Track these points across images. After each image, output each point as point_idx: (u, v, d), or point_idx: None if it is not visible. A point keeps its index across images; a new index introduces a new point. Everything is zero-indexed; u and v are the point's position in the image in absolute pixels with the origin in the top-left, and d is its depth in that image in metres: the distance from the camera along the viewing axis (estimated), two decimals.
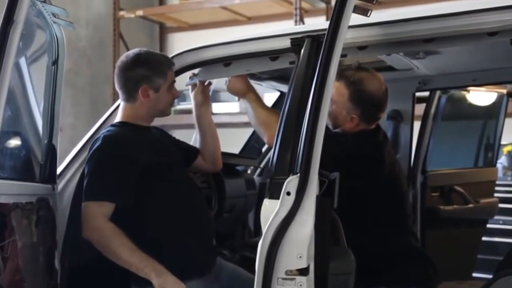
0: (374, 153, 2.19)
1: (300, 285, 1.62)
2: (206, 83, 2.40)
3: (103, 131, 2.12)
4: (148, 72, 2.07)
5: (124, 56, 2.14)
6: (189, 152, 2.37)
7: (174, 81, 2.16)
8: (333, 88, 2.15)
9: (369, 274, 2.04)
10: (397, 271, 2.10)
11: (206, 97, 2.39)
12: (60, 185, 2.18)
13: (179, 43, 7.03)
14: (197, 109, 2.39)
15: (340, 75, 2.20)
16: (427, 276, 2.17)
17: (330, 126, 2.25)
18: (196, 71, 2.38)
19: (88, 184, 1.99)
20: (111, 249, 1.92)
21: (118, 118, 2.17)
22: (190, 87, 2.44)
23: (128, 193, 1.98)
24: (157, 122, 2.38)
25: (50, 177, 2.09)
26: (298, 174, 1.64)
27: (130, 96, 2.11)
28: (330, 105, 2.17)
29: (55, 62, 2.09)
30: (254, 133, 3.31)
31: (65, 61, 2.11)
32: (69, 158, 2.27)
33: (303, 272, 1.62)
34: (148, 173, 2.00)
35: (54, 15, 2.04)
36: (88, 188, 1.98)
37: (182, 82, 2.55)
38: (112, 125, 2.13)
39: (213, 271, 2.10)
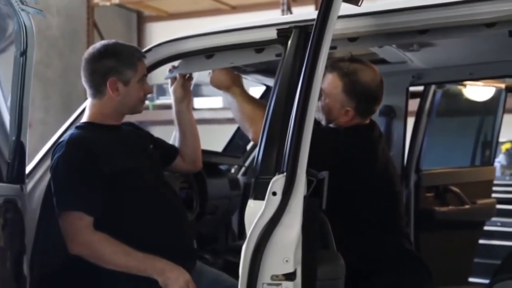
0: (367, 150, 2.21)
1: None
2: (186, 77, 2.40)
3: (67, 133, 2.11)
4: (116, 63, 2.06)
5: (90, 48, 2.13)
6: (168, 151, 2.37)
7: (145, 75, 2.15)
8: (326, 80, 2.19)
9: (360, 278, 2.07)
10: (389, 275, 2.12)
11: (186, 92, 2.39)
12: (29, 186, 2.17)
13: (158, 33, 7.01)
14: (177, 104, 2.39)
15: (333, 67, 2.21)
16: (421, 281, 2.19)
17: (323, 121, 2.27)
18: (176, 63, 2.37)
19: (58, 194, 2.00)
20: (105, 260, 1.95)
21: (84, 117, 2.15)
22: (169, 81, 2.44)
23: (100, 202, 2.00)
24: (135, 117, 2.37)
25: (18, 176, 2.07)
26: (285, 173, 1.65)
27: (97, 91, 2.09)
28: (323, 99, 2.21)
29: (24, 53, 2.07)
30: (238, 129, 3.32)
31: (34, 52, 2.09)
32: (39, 156, 2.25)
33: (289, 277, 1.63)
34: (118, 179, 2.01)
35: (22, 1, 2.01)
36: (60, 199, 2.00)
37: (161, 75, 2.55)
38: (77, 127, 2.12)
39: (192, 277, 2.10)
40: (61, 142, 2.07)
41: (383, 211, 2.20)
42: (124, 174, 2.03)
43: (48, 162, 2.22)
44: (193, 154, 2.41)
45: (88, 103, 2.16)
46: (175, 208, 2.17)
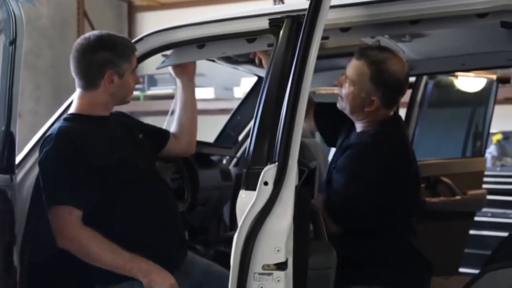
0: (404, 157, 2.18)
1: (278, 280, 1.63)
2: None
3: (55, 126, 2.09)
4: (113, 55, 2.05)
5: (82, 38, 2.09)
6: (160, 135, 2.35)
7: (136, 66, 2.16)
8: (353, 67, 2.17)
9: (364, 272, 2.08)
10: (394, 271, 2.12)
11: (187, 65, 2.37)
12: (19, 176, 2.16)
13: (149, 24, 6.97)
14: (178, 80, 2.40)
15: (361, 54, 2.16)
16: (422, 277, 2.21)
17: (347, 110, 2.22)
18: (167, 53, 2.36)
19: (48, 188, 2.00)
20: (93, 256, 1.95)
21: (72, 108, 2.13)
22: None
23: (90, 195, 1.99)
24: (126, 108, 2.36)
25: (8, 167, 2.06)
26: (276, 163, 1.65)
27: (91, 83, 2.07)
28: (348, 86, 2.18)
29: (13, 42, 2.05)
30: (230, 120, 3.32)
31: (23, 41, 2.07)
32: (29, 146, 2.24)
33: (281, 266, 1.64)
34: (107, 172, 2.01)
35: None
36: (49, 193, 1.99)
37: (153, 66, 2.53)
38: (65, 119, 2.10)
39: (183, 268, 2.11)
40: (49, 135, 2.05)
41: (408, 210, 2.22)
42: (113, 166, 2.03)
43: (38, 153, 2.20)
44: (190, 133, 2.40)
45: (76, 94, 2.13)
46: (166, 199, 2.17)
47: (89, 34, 2.12)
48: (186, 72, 2.38)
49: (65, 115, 2.14)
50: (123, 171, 2.05)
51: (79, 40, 2.10)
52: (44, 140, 2.06)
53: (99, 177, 1.99)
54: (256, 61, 2.38)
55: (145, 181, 2.12)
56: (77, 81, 2.12)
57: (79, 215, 1.96)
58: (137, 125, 2.33)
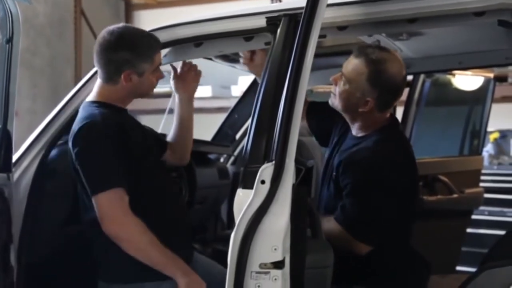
0: (410, 167, 2.17)
1: (275, 279, 1.63)
2: (186, 65, 2.32)
3: (87, 111, 2.00)
4: (132, 56, 1.99)
5: (106, 32, 2.02)
6: (159, 143, 2.30)
7: (160, 64, 2.11)
8: (350, 65, 2.13)
9: (364, 274, 2.08)
10: (394, 274, 2.12)
11: (186, 82, 2.31)
12: (16, 174, 2.15)
13: (147, 22, 6.95)
14: (177, 96, 2.33)
15: (360, 52, 2.13)
16: (420, 280, 2.21)
17: (340, 108, 2.20)
18: (165, 52, 2.36)
19: (97, 172, 1.92)
20: (140, 246, 1.89)
21: (94, 96, 2.06)
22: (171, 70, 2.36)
23: (131, 183, 1.94)
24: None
25: (5, 165, 2.07)
26: (273, 162, 1.65)
27: (110, 79, 2.03)
28: (343, 84, 2.14)
29: (10, 40, 2.05)
30: (227, 119, 3.32)
31: (20, 39, 2.07)
32: (26, 145, 2.23)
33: (278, 265, 1.64)
34: (142, 159, 1.98)
35: None
36: (100, 177, 1.91)
37: None
38: (97, 106, 2.02)
39: (191, 266, 2.05)
40: (89, 120, 1.95)
41: (411, 214, 2.20)
42: (147, 154, 2.01)
43: (34, 151, 2.20)
44: (184, 148, 2.36)
45: (98, 83, 2.07)
46: (177, 194, 2.18)
47: (114, 28, 2.04)
48: (187, 89, 2.32)
49: (90, 101, 2.05)
50: (152, 160, 2.05)
51: (103, 33, 2.03)
52: (81, 128, 1.95)
53: (135, 165, 1.96)
54: (243, 61, 2.36)
55: (163, 173, 2.11)
56: (98, 72, 2.07)
57: (127, 201, 1.90)
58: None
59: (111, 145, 1.91)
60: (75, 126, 1.98)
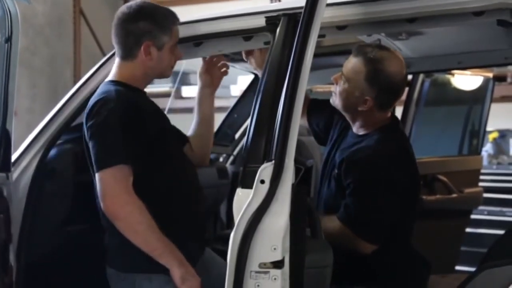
0: (411, 169, 2.17)
1: (275, 279, 1.64)
2: (215, 59, 2.28)
3: (105, 89, 1.97)
4: (152, 26, 1.97)
5: (125, 7, 2.02)
6: (178, 134, 2.21)
7: (177, 40, 2.07)
8: (349, 64, 2.13)
9: (364, 274, 2.08)
10: (394, 274, 2.12)
11: (213, 78, 2.28)
12: (15, 174, 2.15)
13: None
14: (200, 89, 2.30)
15: (359, 51, 2.13)
16: (421, 280, 2.22)
17: (340, 107, 2.20)
18: None
19: (105, 148, 1.87)
20: (138, 228, 1.82)
21: (113, 76, 2.04)
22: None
23: (139, 163, 1.89)
24: None
25: (4, 164, 2.07)
26: (273, 161, 1.65)
27: (129, 53, 2.00)
28: (342, 83, 2.15)
29: (9, 40, 2.05)
30: (226, 118, 3.31)
31: (19, 38, 2.07)
32: (25, 144, 2.23)
33: (277, 265, 1.64)
34: (157, 142, 1.94)
35: None
36: (107, 152, 1.86)
37: None
38: (115, 84, 1.99)
39: (201, 263, 2.01)
40: (105, 96, 1.92)
41: (412, 218, 2.21)
42: (163, 136, 1.97)
43: (34, 151, 2.20)
44: (205, 146, 2.30)
45: (116, 63, 2.05)
46: (197, 181, 2.10)
47: (133, 2, 2.04)
48: (212, 82, 2.28)
49: (109, 80, 2.03)
50: (169, 143, 2.00)
51: (122, 8, 2.04)
52: (98, 102, 1.92)
53: (147, 147, 1.91)
54: (244, 57, 2.34)
55: (180, 163, 2.05)
56: (116, 50, 2.05)
57: (131, 180, 1.85)
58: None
59: (122, 122, 1.88)
60: (90, 102, 1.96)
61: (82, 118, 2.01)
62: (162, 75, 2.10)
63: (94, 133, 1.90)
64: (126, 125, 1.88)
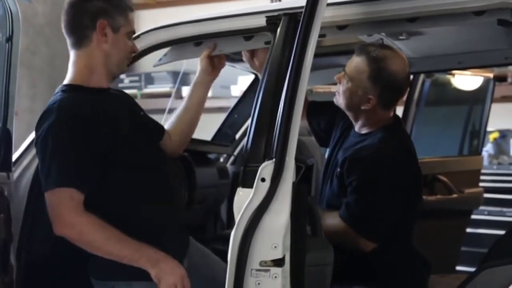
0: (415, 172, 2.18)
1: (275, 277, 1.64)
2: (215, 53, 2.24)
3: (53, 99, 1.90)
4: (107, 5, 1.91)
5: None
6: (156, 130, 2.15)
7: (134, 31, 2.01)
8: (352, 63, 2.15)
9: (364, 274, 2.09)
10: (395, 274, 2.13)
11: (212, 67, 2.25)
12: (16, 173, 2.16)
13: (146, 21, 6.92)
14: (199, 75, 2.26)
15: (361, 50, 2.15)
16: (421, 280, 2.22)
17: (344, 106, 2.21)
18: (165, 51, 2.36)
19: (47, 168, 1.81)
20: (96, 246, 1.81)
21: (67, 79, 1.96)
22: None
23: (92, 179, 1.83)
24: None
25: (5, 164, 2.07)
26: (274, 160, 1.66)
27: (83, 37, 1.91)
28: (346, 82, 2.16)
29: (9, 39, 2.05)
30: (227, 119, 3.32)
31: (20, 37, 2.07)
32: (26, 144, 2.24)
33: (278, 263, 1.64)
34: (110, 154, 1.85)
35: None
36: (48, 174, 1.80)
37: (150, 63, 2.53)
38: (63, 91, 1.91)
39: (186, 262, 1.98)
40: (48, 109, 1.86)
41: (414, 215, 2.21)
42: (117, 148, 1.87)
43: (34, 151, 2.19)
44: (186, 134, 2.25)
45: (71, 59, 1.97)
46: (171, 181, 2.05)
47: None
48: (213, 70, 2.25)
49: (62, 87, 1.96)
50: (126, 153, 1.90)
51: None
52: (42, 115, 1.87)
53: (101, 159, 1.83)
54: (244, 58, 2.35)
55: (148, 163, 1.96)
56: (69, 42, 1.97)
57: (80, 200, 1.80)
58: (137, 105, 2.14)
59: (63, 139, 1.80)
60: (43, 111, 1.88)
61: None
62: (119, 66, 1.98)
63: (40, 149, 1.84)
64: (69, 140, 1.80)
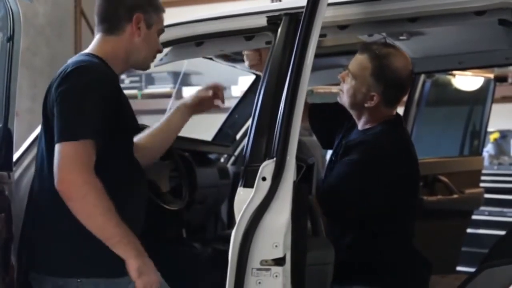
0: (412, 163, 2.20)
1: (276, 276, 1.64)
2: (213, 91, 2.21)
3: (78, 59, 1.83)
4: (144, 1, 1.92)
5: None
6: (138, 129, 2.08)
7: (163, 31, 2.00)
8: (355, 61, 2.16)
9: (365, 274, 2.09)
10: (395, 274, 2.13)
11: (204, 105, 2.21)
12: (16, 173, 2.16)
13: None
14: (183, 105, 2.19)
15: (364, 48, 2.16)
16: (422, 280, 2.23)
17: (347, 104, 2.21)
18: (166, 51, 2.37)
19: (70, 119, 1.71)
20: (94, 213, 1.66)
21: (91, 50, 1.91)
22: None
23: (104, 137, 1.74)
24: None
25: (6, 164, 2.06)
26: (274, 159, 1.66)
27: (117, 26, 1.90)
28: (349, 81, 2.17)
29: (10, 39, 2.05)
30: (227, 119, 3.33)
31: (21, 37, 2.08)
32: (27, 144, 2.24)
33: (279, 262, 1.65)
34: (122, 127, 1.82)
35: None
36: (72, 124, 1.71)
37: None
38: (93, 56, 1.87)
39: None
40: (85, 64, 1.80)
41: (409, 211, 2.22)
42: (131, 123, 1.88)
43: (35, 150, 2.19)
44: (153, 156, 2.17)
45: (97, 38, 1.93)
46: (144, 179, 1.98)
47: None
48: (199, 107, 2.19)
49: (87, 53, 1.90)
50: (127, 132, 1.88)
51: None
52: (78, 67, 1.78)
53: (114, 130, 1.77)
54: (252, 62, 2.35)
55: (129, 149, 1.91)
56: (100, 26, 1.94)
57: (93, 159, 1.69)
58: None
59: (101, 95, 1.75)
60: (65, 68, 1.82)
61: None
62: (144, 62, 1.97)
63: (66, 98, 1.74)
64: (106, 99, 1.74)
